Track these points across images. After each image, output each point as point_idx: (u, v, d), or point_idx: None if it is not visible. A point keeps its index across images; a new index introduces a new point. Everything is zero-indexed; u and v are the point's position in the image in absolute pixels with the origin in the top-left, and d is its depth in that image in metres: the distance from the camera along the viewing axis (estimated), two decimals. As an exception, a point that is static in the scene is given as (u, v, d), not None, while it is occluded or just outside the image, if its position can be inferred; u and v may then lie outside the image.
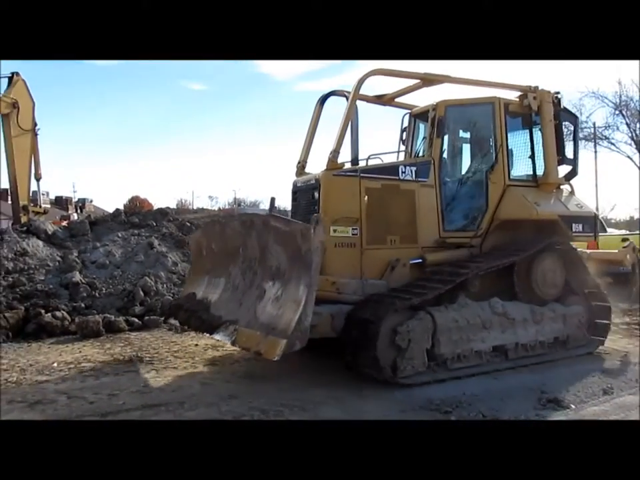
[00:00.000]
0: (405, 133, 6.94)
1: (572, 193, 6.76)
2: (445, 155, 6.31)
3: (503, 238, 6.24)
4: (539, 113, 6.46)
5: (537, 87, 6.44)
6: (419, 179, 6.00)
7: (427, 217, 6.01)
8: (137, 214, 12.36)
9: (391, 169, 5.89)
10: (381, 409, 4.42)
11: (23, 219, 12.21)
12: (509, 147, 6.46)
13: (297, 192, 6.08)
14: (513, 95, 6.64)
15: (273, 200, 5.22)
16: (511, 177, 6.32)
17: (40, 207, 13.96)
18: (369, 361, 4.89)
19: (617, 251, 7.16)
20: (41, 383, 5.26)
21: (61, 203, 36.87)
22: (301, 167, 6.28)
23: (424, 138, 6.53)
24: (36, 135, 12.13)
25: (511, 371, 5.68)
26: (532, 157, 6.59)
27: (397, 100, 7.03)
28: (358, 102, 7.04)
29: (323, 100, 6.37)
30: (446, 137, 6.33)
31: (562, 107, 6.65)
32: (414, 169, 5.98)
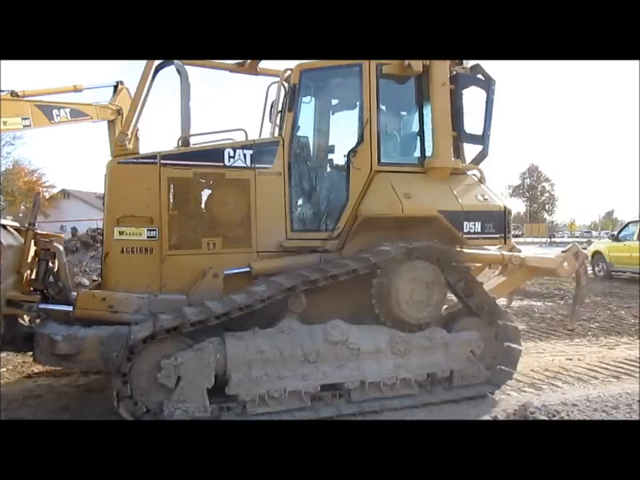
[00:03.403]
0: (274, 108, 5.60)
1: (480, 180, 5.10)
2: (299, 133, 4.92)
3: (371, 241, 4.78)
4: (428, 74, 4.87)
5: (423, 41, 4.84)
6: (259, 165, 4.71)
7: (269, 214, 4.71)
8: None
9: (212, 153, 4.64)
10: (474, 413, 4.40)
11: None
12: (385, 122, 4.96)
13: (106, 183, 5.04)
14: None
15: (36, 197, 4.21)
16: (382, 161, 4.80)
17: None
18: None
19: (552, 257, 5.39)
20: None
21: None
22: None
23: (278, 112, 5.20)
24: (137, 139, 12.74)
25: (614, 379, 5.39)
26: (420, 134, 5.02)
27: (265, 67, 5.70)
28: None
29: (156, 70, 5.19)
30: (302, 110, 4.94)
31: (466, 66, 5.01)
32: (250, 152, 4.69)
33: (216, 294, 4.41)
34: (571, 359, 6.33)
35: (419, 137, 5.02)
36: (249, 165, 4.68)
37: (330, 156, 5.08)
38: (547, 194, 77.10)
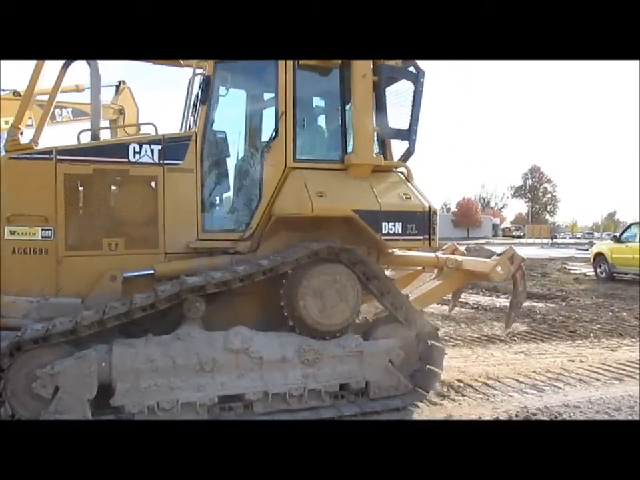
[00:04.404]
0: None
1: (407, 178, 4.79)
2: (214, 128, 4.65)
3: (287, 242, 4.50)
4: (349, 65, 4.58)
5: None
6: (168, 161, 4.45)
7: (179, 213, 4.45)
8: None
9: (115, 148, 4.40)
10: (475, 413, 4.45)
11: None
12: (304, 116, 4.69)
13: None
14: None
15: None
16: (298, 157, 4.52)
17: None
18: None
19: (487, 260, 5.07)
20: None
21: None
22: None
23: (193, 105, 4.93)
24: None
25: (616, 380, 5.42)
26: (342, 128, 4.73)
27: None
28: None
29: (67, 65, 4.92)
30: (217, 104, 4.66)
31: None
32: (158, 147, 4.43)
33: (113, 298, 4.15)
34: (573, 361, 6.29)
35: (340, 132, 4.73)
36: (156, 161, 4.42)
37: (246, 152, 4.80)
38: (548, 195, 76.56)
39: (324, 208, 4.27)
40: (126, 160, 4.34)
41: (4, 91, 7.50)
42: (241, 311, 4.39)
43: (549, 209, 76.71)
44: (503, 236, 62.64)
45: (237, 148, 4.85)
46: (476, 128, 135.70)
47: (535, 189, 75.93)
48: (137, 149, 4.38)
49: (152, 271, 4.31)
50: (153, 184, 4.40)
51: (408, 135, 4.70)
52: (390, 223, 4.44)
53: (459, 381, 5.44)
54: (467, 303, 10.85)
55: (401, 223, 4.47)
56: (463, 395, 4.95)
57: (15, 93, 7.67)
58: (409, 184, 4.71)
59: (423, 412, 4.55)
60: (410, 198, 4.58)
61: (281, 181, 4.46)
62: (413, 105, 4.72)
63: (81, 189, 4.23)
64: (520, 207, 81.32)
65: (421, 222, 4.54)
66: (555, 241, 48.63)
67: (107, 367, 3.76)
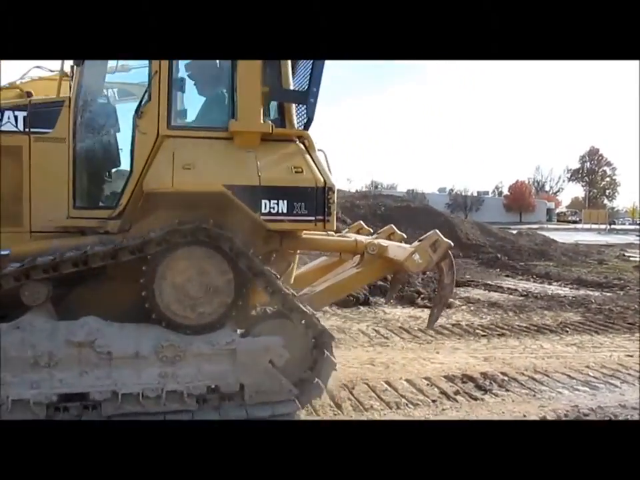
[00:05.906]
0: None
1: (307, 149, 4.07)
2: (90, 93, 4.13)
3: (163, 222, 3.91)
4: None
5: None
6: (35, 129, 3.99)
7: (47, 187, 3.99)
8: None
9: (-28, 116, 3.97)
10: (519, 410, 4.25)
11: None
12: (185, 76, 4.08)
13: None
14: None
15: None
16: (173, 124, 3.92)
17: None
18: None
19: (406, 246, 4.30)
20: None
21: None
22: None
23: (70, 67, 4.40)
24: None
25: None
26: (232, 90, 4.07)
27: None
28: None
29: None
30: (94, 66, 4.13)
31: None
32: (23, 114, 3.98)
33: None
34: (631, 356, 5.90)
35: (229, 95, 4.08)
36: (21, 128, 3.97)
37: (124, 120, 4.25)
38: (607, 178, 71.75)
39: (187, 182, 3.68)
40: None
41: (51, 71, 7.47)
42: (110, 299, 3.89)
43: (607, 194, 72.14)
44: (558, 221, 59.51)
45: (114, 115, 4.30)
46: (534, 109, 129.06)
47: (593, 172, 71.46)
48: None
49: (7, 252, 3.88)
50: (16, 154, 3.95)
51: (305, 97, 3.98)
52: (272, 201, 3.78)
53: (504, 374, 5.04)
54: (515, 290, 10.27)
55: (286, 201, 3.80)
56: (507, 390, 4.69)
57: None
58: (307, 156, 4.00)
59: (462, 407, 4.28)
60: (301, 171, 3.88)
61: (152, 152, 3.88)
62: (313, 64, 3.99)
63: None
64: (577, 191, 76.87)
65: (312, 200, 3.84)
66: (613, 226, 45.62)
67: None
